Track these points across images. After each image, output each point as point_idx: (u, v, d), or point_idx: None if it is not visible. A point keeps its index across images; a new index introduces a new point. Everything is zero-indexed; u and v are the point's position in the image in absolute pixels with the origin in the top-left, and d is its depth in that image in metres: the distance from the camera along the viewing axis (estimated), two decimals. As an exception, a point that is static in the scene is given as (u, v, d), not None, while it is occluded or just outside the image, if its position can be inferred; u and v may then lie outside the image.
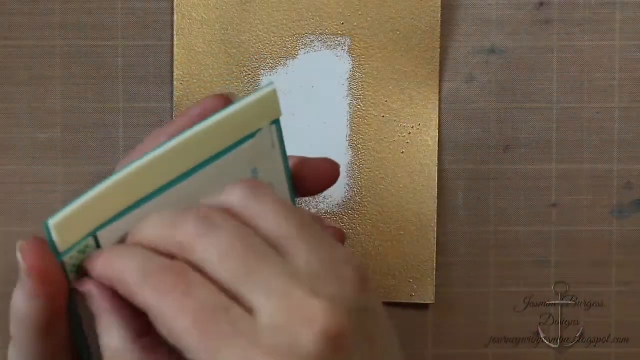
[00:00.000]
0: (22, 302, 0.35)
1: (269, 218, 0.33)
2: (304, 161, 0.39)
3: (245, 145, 0.36)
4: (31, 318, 0.34)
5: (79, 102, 0.50)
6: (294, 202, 0.39)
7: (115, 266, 0.33)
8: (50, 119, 0.50)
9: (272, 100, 0.36)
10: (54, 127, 0.50)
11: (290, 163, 0.39)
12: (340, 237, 0.41)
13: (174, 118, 0.38)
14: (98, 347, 0.35)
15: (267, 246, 0.33)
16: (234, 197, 0.34)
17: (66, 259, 0.34)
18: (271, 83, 0.36)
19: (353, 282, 0.33)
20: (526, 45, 0.51)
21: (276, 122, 0.37)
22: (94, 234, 0.35)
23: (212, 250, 0.32)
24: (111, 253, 0.34)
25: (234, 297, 0.32)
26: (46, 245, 0.34)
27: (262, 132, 0.36)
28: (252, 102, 0.36)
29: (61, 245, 0.34)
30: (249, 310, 0.31)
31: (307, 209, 0.50)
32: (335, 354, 0.31)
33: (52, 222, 0.34)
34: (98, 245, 0.35)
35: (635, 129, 0.51)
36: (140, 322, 0.33)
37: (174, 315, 0.31)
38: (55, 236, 0.34)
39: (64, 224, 0.34)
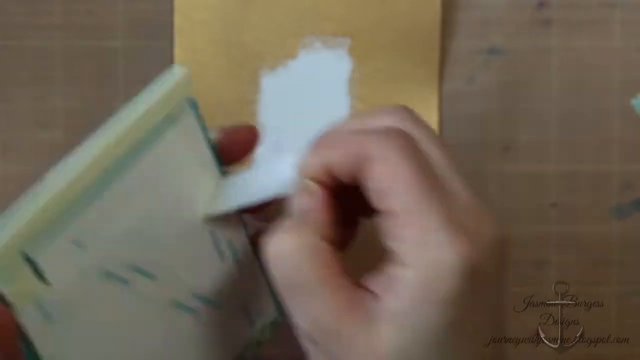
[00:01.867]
0: None
1: (438, 146, 0.36)
2: (223, 131, 0.41)
3: (169, 134, 0.38)
4: None
5: (80, 103, 0.50)
6: (221, 171, 0.40)
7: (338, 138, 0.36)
8: (51, 119, 0.50)
9: (185, 83, 0.38)
10: (55, 128, 0.50)
11: (213, 136, 0.40)
12: None
13: None
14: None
15: None
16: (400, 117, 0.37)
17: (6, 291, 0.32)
18: (177, 66, 0.38)
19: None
20: (526, 45, 0.51)
21: (191, 102, 0.39)
22: (26, 256, 0.33)
23: (423, 135, 0.35)
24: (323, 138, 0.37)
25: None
26: None
27: (182, 117, 0.38)
28: (169, 88, 0.37)
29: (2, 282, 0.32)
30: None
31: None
32: (502, 260, 0.35)
33: None
34: (36, 269, 0.33)
35: (635, 129, 0.51)
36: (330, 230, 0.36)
37: (396, 167, 0.34)
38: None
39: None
